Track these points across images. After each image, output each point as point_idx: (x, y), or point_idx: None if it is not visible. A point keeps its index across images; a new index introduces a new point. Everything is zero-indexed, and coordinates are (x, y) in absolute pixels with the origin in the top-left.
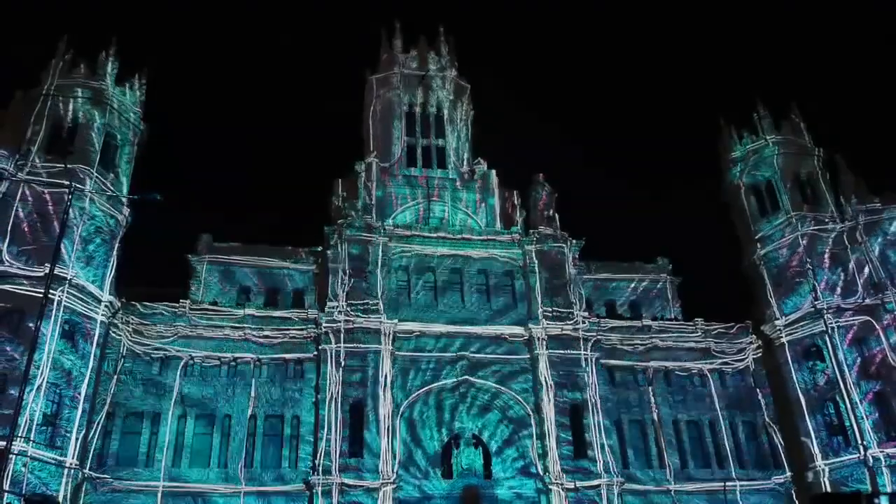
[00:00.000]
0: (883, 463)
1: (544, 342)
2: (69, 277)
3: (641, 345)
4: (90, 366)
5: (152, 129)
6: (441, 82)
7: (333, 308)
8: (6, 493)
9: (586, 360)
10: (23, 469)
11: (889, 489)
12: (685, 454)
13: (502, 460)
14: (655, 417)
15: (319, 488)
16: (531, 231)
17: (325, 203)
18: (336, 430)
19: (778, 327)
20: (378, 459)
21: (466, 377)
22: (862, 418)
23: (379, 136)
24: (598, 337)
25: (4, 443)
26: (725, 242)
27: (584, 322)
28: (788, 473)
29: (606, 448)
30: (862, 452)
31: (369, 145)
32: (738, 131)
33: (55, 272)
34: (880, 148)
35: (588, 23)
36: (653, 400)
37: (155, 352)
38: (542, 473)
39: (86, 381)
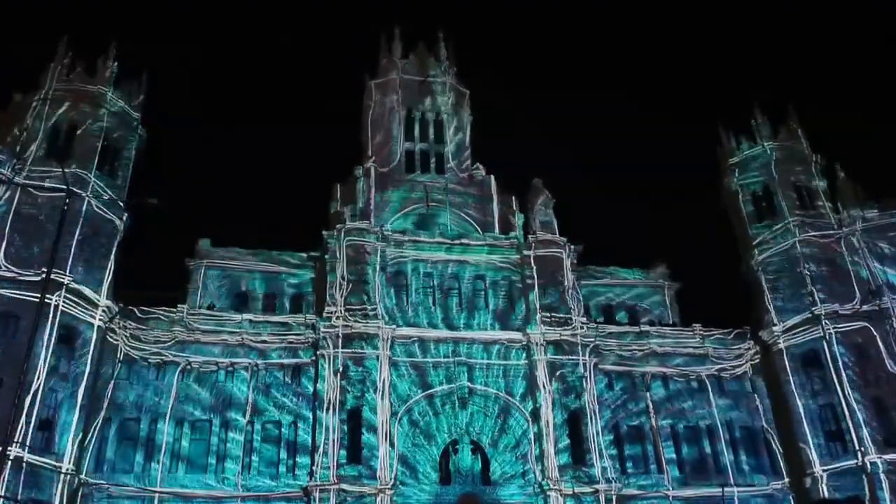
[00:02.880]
0: (881, 469)
1: (542, 347)
2: (66, 282)
3: (639, 350)
4: (87, 371)
5: (151, 133)
6: (440, 87)
7: (331, 313)
8: (2, 499)
9: (584, 365)
10: (19, 474)
11: (887, 495)
12: (683, 460)
13: (500, 465)
14: (653, 423)
15: (317, 494)
16: (529, 236)
17: (324, 208)
18: (334, 436)
19: (776, 333)
20: (376, 465)
21: (464, 382)
22: (860, 424)
23: (378, 141)
24: (597, 342)
25: (0, 448)
26: (724, 248)
27: (582, 327)
28: (786, 479)
29: (604, 453)
30: (860, 458)
31: (368, 150)
32: (737, 137)
33: (52, 277)
34: (878, 155)
35: (587, 29)
36: (651, 405)
37: (152, 357)
38: (540, 479)
39: (82, 386)
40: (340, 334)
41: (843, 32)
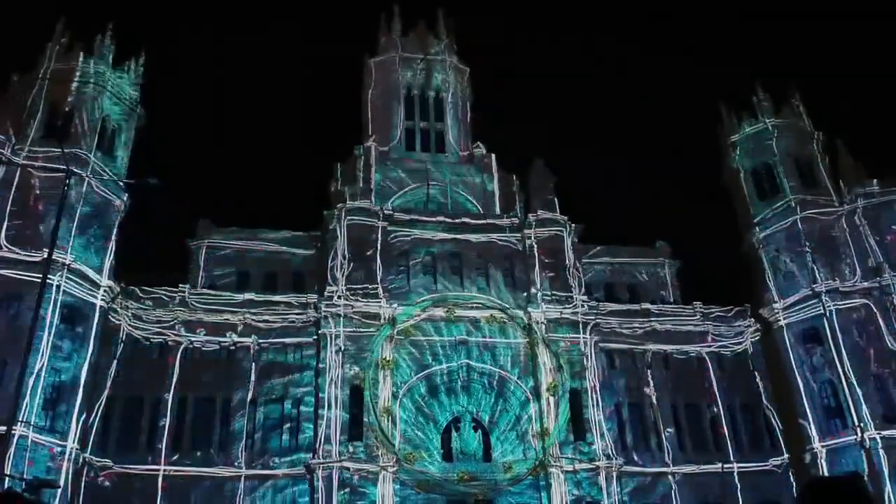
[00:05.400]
0: (879, 444)
1: (543, 326)
2: (68, 262)
3: (640, 328)
4: (90, 351)
5: (151, 113)
6: (440, 66)
7: (333, 292)
8: (7, 478)
9: (585, 343)
10: (24, 454)
11: (886, 470)
12: (683, 437)
13: (501, 443)
14: (654, 401)
15: (320, 472)
16: (530, 215)
17: (325, 187)
18: (336, 414)
19: (776, 310)
20: (378, 443)
21: (466, 361)
22: (859, 401)
23: (378, 120)
24: (597, 321)
25: (5, 427)
26: (725, 226)
27: (583, 306)
28: (786, 455)
29: (605, 431)
30: (859, 434)
31: (368, 129)
32: (738, 115)
33: (53, 257)
34: (879, 132)
35: (587, 4)
36: (651, 383)
37: (154, 336)
38: (541, 456)
39: (86, 365)
40: (342, 313)
41: (844, 9)
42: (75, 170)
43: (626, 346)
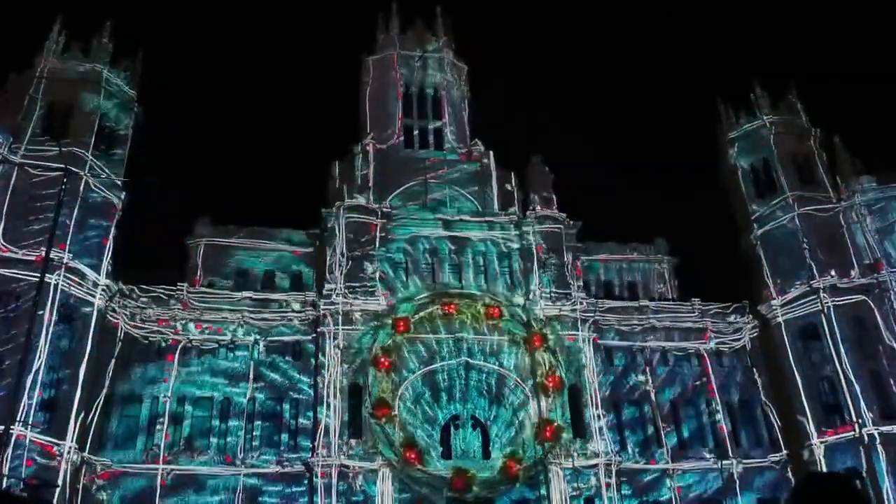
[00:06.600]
0: (878, 440)
1: (542, 323)
2: (65, 261)
3: (639, 325)
4: (88, 350)
5: (149, 112)
6: (438, 63)
7: (331, 290)
8: (5, 478)
9: (584, 340)
10: (22, 453)
11: (884, 467)
12: (682, 433)
13: (500, 441)
14: (652, 397)
15: (319, 470)
16: (528, 212)
17: (323, 185)
18: (335, 412)
19: (774, 307)
20: (377, 441)
21: (465, 358)
22: (857, 397)
23: (376, 118)
24: (596, 317)
25: (3, 427)
26: (723, 223)
27: (581, 303)
28: (784, 452)
29: (604, 428)
30: (857, 430)
31: (366, 127)
32: (736, 112)
33: (51, 256)
34: (876, 129)
35: (587, 3)
36: (650, 380)
37: (152, 335)
38: (539, 453)
39: (83, 364)
40: (340, 311)
41: (842, 9)
42: (73, 169)
43: (625, 342)
